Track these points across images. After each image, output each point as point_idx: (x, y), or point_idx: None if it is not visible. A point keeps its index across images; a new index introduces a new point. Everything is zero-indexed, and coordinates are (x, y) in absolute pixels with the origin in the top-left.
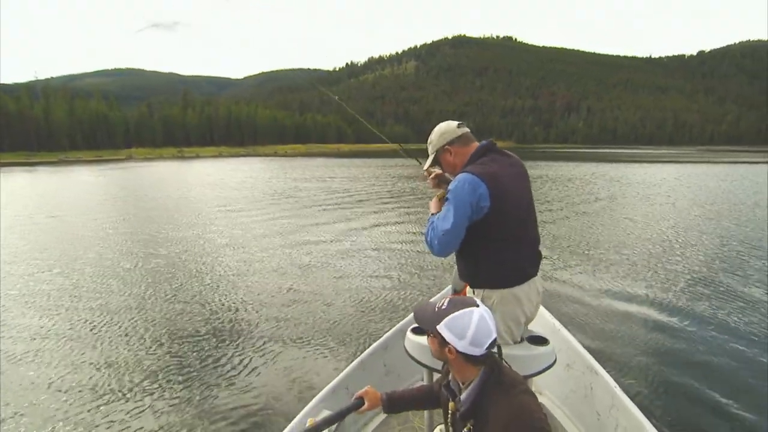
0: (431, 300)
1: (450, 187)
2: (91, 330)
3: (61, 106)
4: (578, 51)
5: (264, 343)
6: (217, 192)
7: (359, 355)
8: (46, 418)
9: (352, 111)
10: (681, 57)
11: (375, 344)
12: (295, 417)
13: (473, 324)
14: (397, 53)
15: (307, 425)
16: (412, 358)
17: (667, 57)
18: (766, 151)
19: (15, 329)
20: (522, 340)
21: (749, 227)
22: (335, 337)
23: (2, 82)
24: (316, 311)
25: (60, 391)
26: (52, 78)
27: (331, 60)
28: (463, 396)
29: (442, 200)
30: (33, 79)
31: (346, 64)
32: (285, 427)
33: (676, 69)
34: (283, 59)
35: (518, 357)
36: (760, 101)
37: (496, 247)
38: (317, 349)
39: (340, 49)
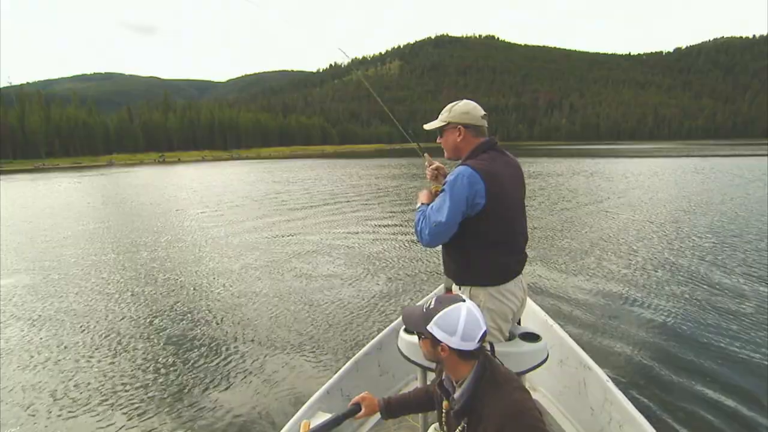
0: (424, 300)
1: (448, 178)
2: (75, 337)
3: (37, 113)
4: (560, 49)
5: (254, 346)
6: (200, 197)
7: (353, 356)
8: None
9: (383, 105)
10: (659, 54)
11: (369, 345)
12: (289, 419)
13: (462, 319)
14: (380, 53)
15: (300, 429)
16: (406, 357)
17: (646, 54)
18: (741, 144)
19: None
20: (514, 337)
21: (727, 219)
22: (327, 339)
23: None
24: (306, 313)
25: (38, 393)
26: (27, 83)
27: (313, 61)
28: (456, 394)
29: (434, 195)
30: (6, 84)
31: (330, 65)
32: (280, 429)
33: (654, 65)
34: (265, 61)
35: (511, 354)
36: (734, 95)
37: (486, 245)
38: (309, 351)
39: (324, 50)
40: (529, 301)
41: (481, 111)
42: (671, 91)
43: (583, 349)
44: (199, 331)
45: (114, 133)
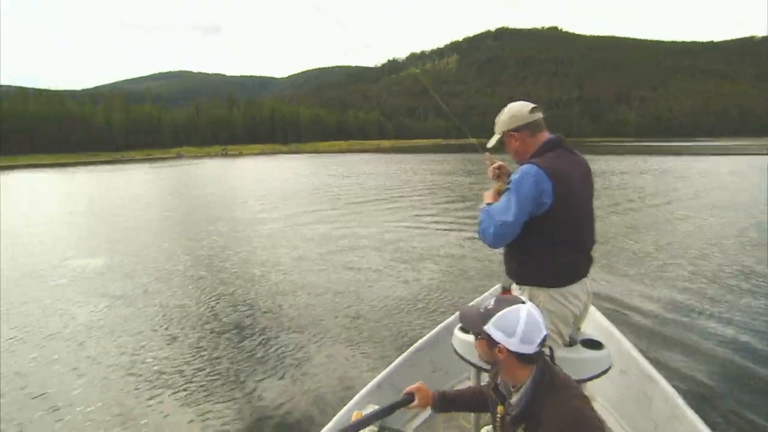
0: (475, 301)
1: (513, 177)
2: (139, 316)
3: (119, 110)
4: (630, 39)
5: (305, 336)
6: (259, 189)
7: (404, 352)
8: (81, 405)
9: (441, 101)
10: (747, 40)
11: (421, 341)
12: (339, 411)
13: (522, 321)
14: (438, 48)
15: (352, 419)
16: (461, 356)
17: (732, 40)
18: None
19: (65, 314)
20: (575, 342)
21: None
22: (378, 333)
23: (68, 88)
24: (358, 306)
25: (97, 376)
26: (113, 83)
27: (371, 57)
28: (514, 399)
29: (499, 194)
30: (96, 85)
31: (388, 60)
32: (329, 420)
33: (740, 53)
34: (324, 57)
35: (571, 360)
36: None
37: (550, 245)
38: (360, 344)
39: (381, 46)
40: (591, 306)
41: (527, 107)
42: (761, 82)
43: (647, 359)
44: (253, 318)
45: (183, 128)
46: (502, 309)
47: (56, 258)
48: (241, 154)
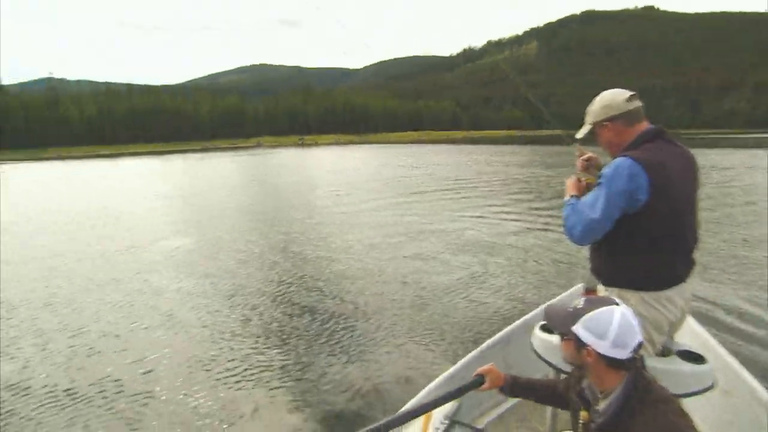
0: (555, 300)
1: (604, 171)
2: (220, 296)
3: (206, 102)
4: (741, 13)
5: (375, 325)
6: (333, 178)
7: (477, 348)
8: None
9: (527, 91)
10: None
11: (496, 337)
12: (409, 401)
13: (615, 323)
14: (517, 35)
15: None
16: (540, 356)
17: None
18: None
19: (156, 287)
20: (669, 353)
21: None
22: (448, 327)
23: (164, 83)
24: (428, 298)
25: (179, 338)
26: (201, 77)
27: (447, 46)
28: (601, 406)
29: (586, 187)
30: (185, 80)
31: (464, 49)
32: (396, 410)
33: None
34: (399, 48)
35: (665, 372)
36: None
37: (644, 245)
38: (428, 338)
39: (456, 34)
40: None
41: (623, 95)
42: None
43: (757, 380)
44: (322, 303)
45: (262, 118)
46: (594, 309)
47: (151, 237)
48: (316, 144)
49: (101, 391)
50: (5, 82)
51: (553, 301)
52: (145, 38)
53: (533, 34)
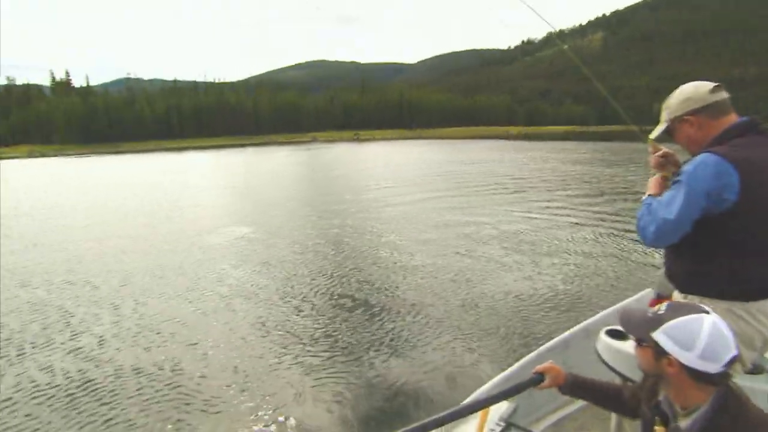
0: (625, 302)
1: (685, 167)
2: (276, 283)
3: (266, 98)
4: None
5: (424, 321)
6: (385, 172)
7: (535, 350)
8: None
9: (599, 84)
10: None
11: (555, 340)
12: (463, 401)
13: (704, 332)
14: (580, 25)
15: (480, 412)
16: (605, 362)
17: None
18: None
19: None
20: (761, 370)
21: None
22: (504, 329)
23: (227, 80)
24: (480, 296)
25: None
26: (262, 73)
27: (506, 39)
28: (683, 423)
29: (665, 182)
30: (247, 76)
31: (522, 41)
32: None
33: None
34: (455, 42)
35: (756, 393)
36: None
37: (732, 249)
38: (482, 339)
39: (515, 26)
40: None
41: (705, 86)
42: None
43: None
44: (373, 296)
45: (318, 114)
46: (679, 316)
47: (213, 226)
48: (370, 139)
49: (161, 370)
50: (92, 83)
51: (622, 304)
52: (212, 37)
53: (598, 23)
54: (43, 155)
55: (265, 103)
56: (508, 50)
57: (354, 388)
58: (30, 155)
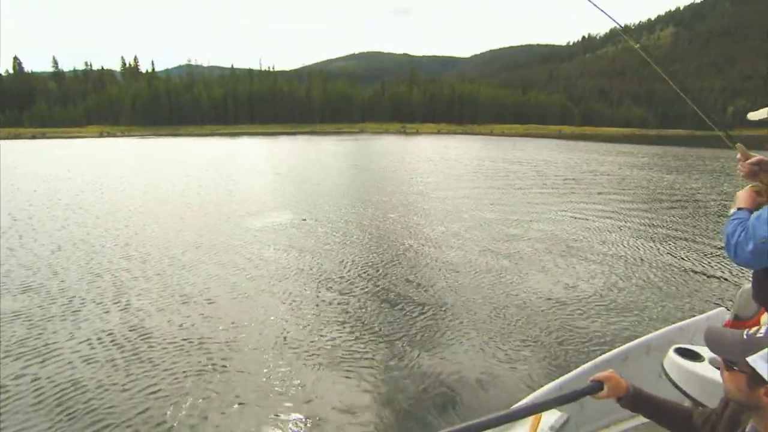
0: (693, 320)
1: None
2: (316, 272)
3: (318, 87)
4: None
5: (466, 323)
6: (433, 167)
7: (590, 361)
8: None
9: (673, 82)
10: None
11: (613, 352)
12: (510, 407)
13: None
14: (649, 20)
15: (530, 421)
16: (673, 383)
17: None
18: None
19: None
20: None
21: None
22: (554, 337)
23: (280, 69)
24: (528, 302)
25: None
26: (315, 63)
27: (565, 34)
28: None
29: (758, 195)
30: (300, 65)
31: (583, 37)
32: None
33: None
34: (511, 36)
35: None
36: None
37: None
38: (530, 347)
39: (576, 21)
40: None
41: None
42: None
43: None
44: (416, 294)
45: (367, 105)
46: None
47: (259, 208)
48: (417, 132)
49: (199, 349)
50: (157, 68)
51: (688, 322)
52: (268, 26)
53: (669, 18)
54: (112, 135)
55: (316, 92)
56: (567, 46)
57: (389, 383)
58: (101, 135)
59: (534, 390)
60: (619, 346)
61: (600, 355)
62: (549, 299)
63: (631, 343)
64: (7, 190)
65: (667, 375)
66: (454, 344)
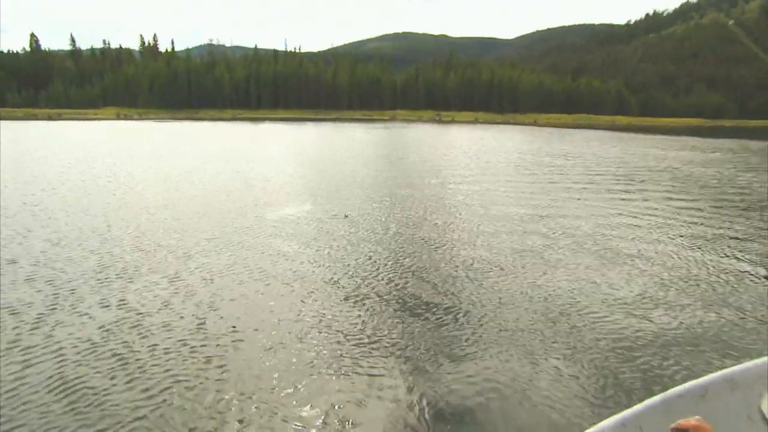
0: (761, 360)
1: None
2: (337, 268)
3: (345, 70)
4: None
5: (508, 336)
6: (469, 160)
7: (659, 394)
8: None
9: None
10: None
11: (687, 386)
12: None
13: None
14: None
15: None
16: None
17: None
18: None
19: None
20: None
21: None
22: (613, 361)
23: (305, 50)
24: (581, 317)
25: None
26: (345, 44)
27: (626, 12)
28: None
29: None
30: (328, 47)
31: (646, 14)
32: None
33: None
34: (564, 15)
35: None
36: None
37: None
38: (585, 369)
39: None
40: None
41: None
42: None
43: None
44: (444, 297)
45: (400, 90)
46: None
47: (281, 200)
48: (453, 121)
49: (215, 345)
50: (177, 48)
51: (750, 364)
52: (295, 4)
53: None
54: (128, 118)
55: (344, 76)
56: (627, 25)
57: (414, 396)
58: (118, 117)
59: (589, 426)
60: (694, 379)
61: (671, 386)
62: (600, 314)
63: (712, 376)
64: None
65: (765, 418)
66: (486, 358)
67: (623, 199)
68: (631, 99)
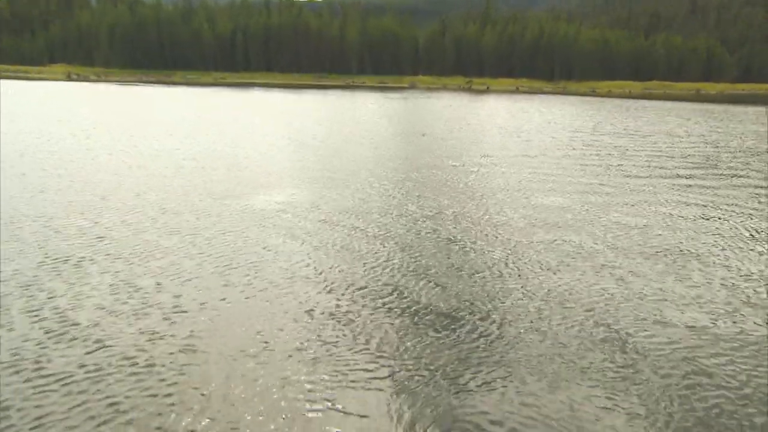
0: None
1: None
2: (345, 262)
3: (356, 24)
4: None
5: (549, 355)
6: (507, 139)
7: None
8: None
9: None
10: None
11: None
12: None
13: None
14: None
15: None
16: None
17: None
18: None
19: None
20: None
21: None
22: (679, 398)
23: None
24: (640, 337)
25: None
26: None
27: None
28: None
29: None
30: None
31: None
32: None
33: None
34: None
35: None
36: None
37: None
38: (645, 407)
39: None
40: None
41: None
42: None
43: None
44: (472, 308)
45: (422, 50)
46: None
47: (282, 187)
48: (488, 90)
49: (207, 344)
50: None
51: None
52: None
53: None
54: (83, 79)
55: (354, 32)
56: None
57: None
58: (68, 78)
59: None
60: None
61: None
62: (664, 338)
63: None
64: None
65: None
66: (518, 386)
67: (702, 194)
68: (726, 59)
